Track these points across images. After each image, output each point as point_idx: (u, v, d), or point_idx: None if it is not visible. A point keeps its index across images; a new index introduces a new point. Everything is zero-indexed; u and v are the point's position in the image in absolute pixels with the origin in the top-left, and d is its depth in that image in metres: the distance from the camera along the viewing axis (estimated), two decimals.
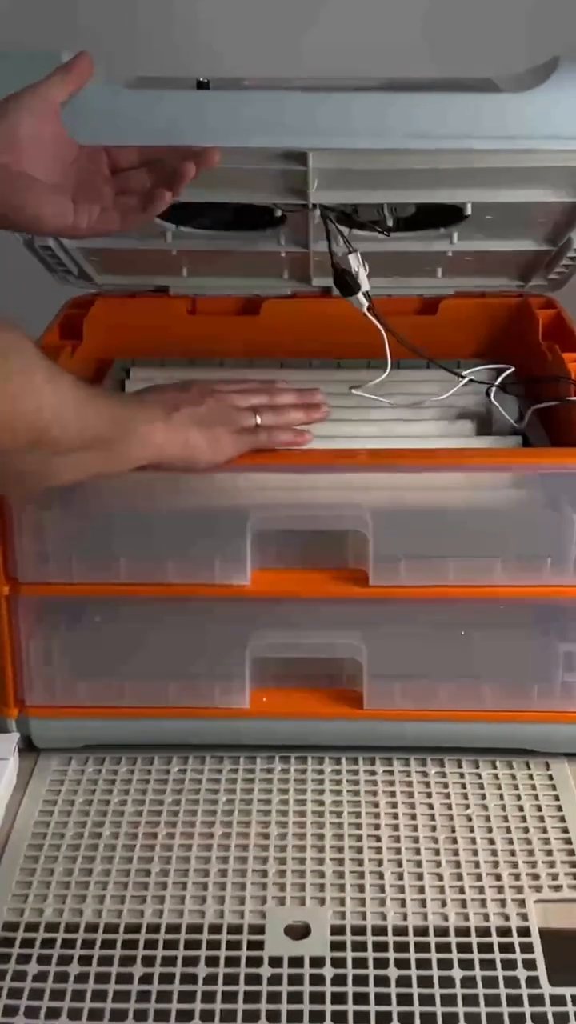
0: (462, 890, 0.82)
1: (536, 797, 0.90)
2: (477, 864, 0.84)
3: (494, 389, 1.04)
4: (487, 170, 0.89)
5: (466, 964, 0.75)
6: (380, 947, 0.77)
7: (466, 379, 1.04)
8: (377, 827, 0.88)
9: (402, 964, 0.75)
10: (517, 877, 0.83)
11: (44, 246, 1.03)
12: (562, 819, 0.88)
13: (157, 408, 0.82)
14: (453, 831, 0.87)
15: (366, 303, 0.97)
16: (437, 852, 0.85)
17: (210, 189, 0.92)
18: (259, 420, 0.87)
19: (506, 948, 0.77)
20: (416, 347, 1.01)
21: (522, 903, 0.80)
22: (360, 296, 0.96)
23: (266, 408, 0.88)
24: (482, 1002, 0.73)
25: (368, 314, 0.97)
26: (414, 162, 0.87)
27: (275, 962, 0.76)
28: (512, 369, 1.06)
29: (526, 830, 0.87)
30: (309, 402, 0.91)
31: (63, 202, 0.81)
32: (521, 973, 0.75)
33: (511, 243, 1.05)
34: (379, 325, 0.97)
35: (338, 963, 0.76)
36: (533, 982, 0.74)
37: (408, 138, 0.85)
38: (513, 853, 0.85)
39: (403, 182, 0.92)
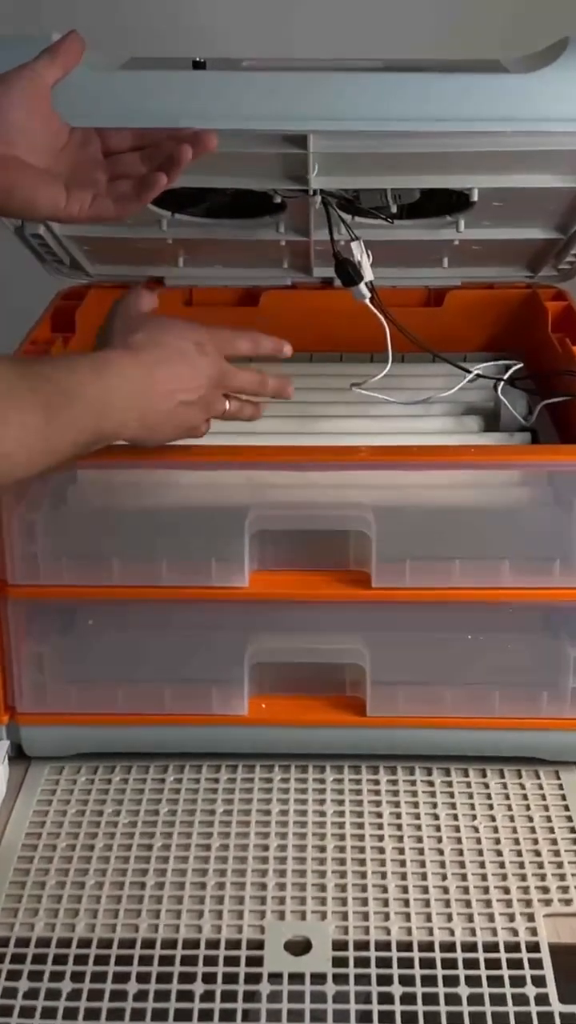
0: (469, 904, 0.82)
1: (546, 807, 0.90)
2: (484, 877, 0.84)
3: (502, 384, 1.04)
4: (494, 154, 0.89)
5: (473, 981, 0.75)
6: (384, 963, 0.77)
7: (473, 374, 1.04)
8: (380, 838, 0.88)
9: (406, 981, 0.75)
10: (526, 890, 0.83)
11: (35, 234, 1.03)
12: (572, 830, 0.88)
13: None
14: (459, 842, 0.87)
15: (368, 294, 0.97)
16: (443, 864, 0.85)
17: (207, 174, 0.91)
18: (228, 406, 0.86)
19: (514, 964, 0.77)
20: (421, 340, 1.01)
21: (531, 917, 0.80)
22: (362, 286, 0.96)
23: (235, 398, 0.87)
24: (489, 1020, 0.73)
25: (370, 305, 0.97)
26: (418, 146, 0.87)
27: (275, 978, 0.76)
28: (520, 364, 1.06)
29: (535, 841, 0.87)
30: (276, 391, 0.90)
31: (55, 186, 0.81)
32: (530, 990, 0.75)
33: (520, 231, 1.05)
34: (381, 317, 0.97)
35: (340, 980, 0.76)
36: (542, 999, 0.74)
37: (412, 121, 0.85)
38: (522, 865, 0.85)
39: (407, 166, 0.92)
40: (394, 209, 0.99)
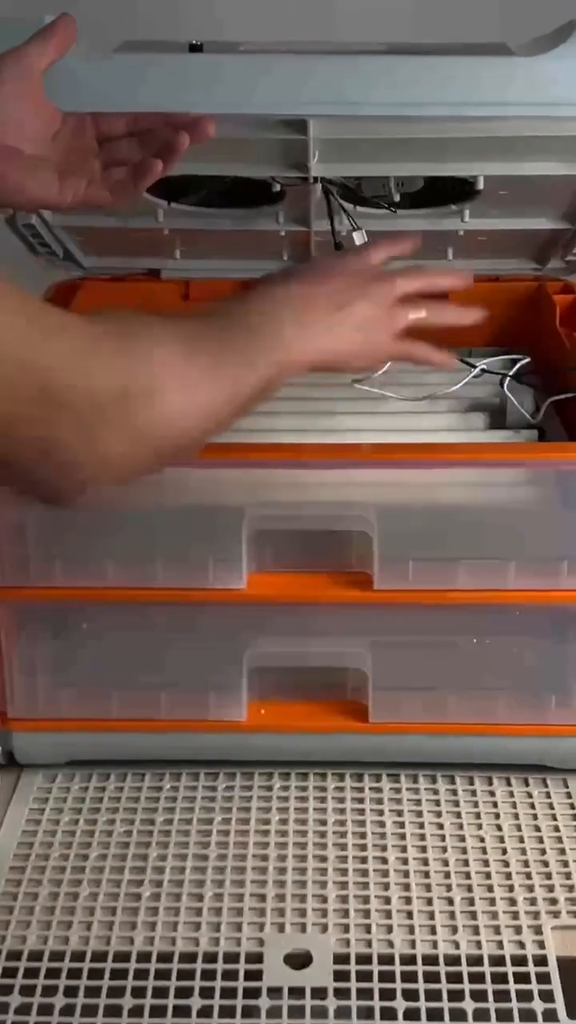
0: (474, 916, 0.81)
1: (553, 816, 0.90)
2: (490, 888, 0.84)
3: (508, 379, 1.03)
4: (500, 140, 0.88)
5: (479, 995, 0.75)
6: (387, 977, 0.77)
7: (478, 369, 1.03)
8: (383, 848, 0.87)
9: (410, 995, 0.75)
10: (533, 902, 0.83)
11: (27, 224, 1.03)
12: None
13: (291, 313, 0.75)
14: (464, 852, 0.87)
15: None
16: (447, 875, 0.85)
17: (204, 161, 0.91)
18: (417, 314, 0.81)
19: (521, 978, 0.76)
20: (424, 338, 1.00)
21: (538, 930, 0.80)
22: None
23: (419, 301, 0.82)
24: None
25: None
26: (421, 131, 0.87)
27: (274, 993, 0.75)
28: (527, 359, 1.06)
29: (543, 851, 0.87)
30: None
31: (47, 174, 0.80)
32: (538, 1005, 0.74)
33: (526, 221, 1.05)
34: None
35: (342, 994, 0.75)
36: (550, 1015, 0.74)
37: (414, 105, 0.84)
38: (529, 876, 0.85)
39: (410, 153, 0.92)
40: (397, 198, 0.99)
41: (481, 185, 0.96)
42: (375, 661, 0.91)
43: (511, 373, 1.04)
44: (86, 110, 0.83)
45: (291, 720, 0.93)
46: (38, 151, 0.81)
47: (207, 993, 0.76)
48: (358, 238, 0.96)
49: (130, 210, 1.02)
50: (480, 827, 0.89)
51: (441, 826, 0.89)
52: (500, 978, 0.76)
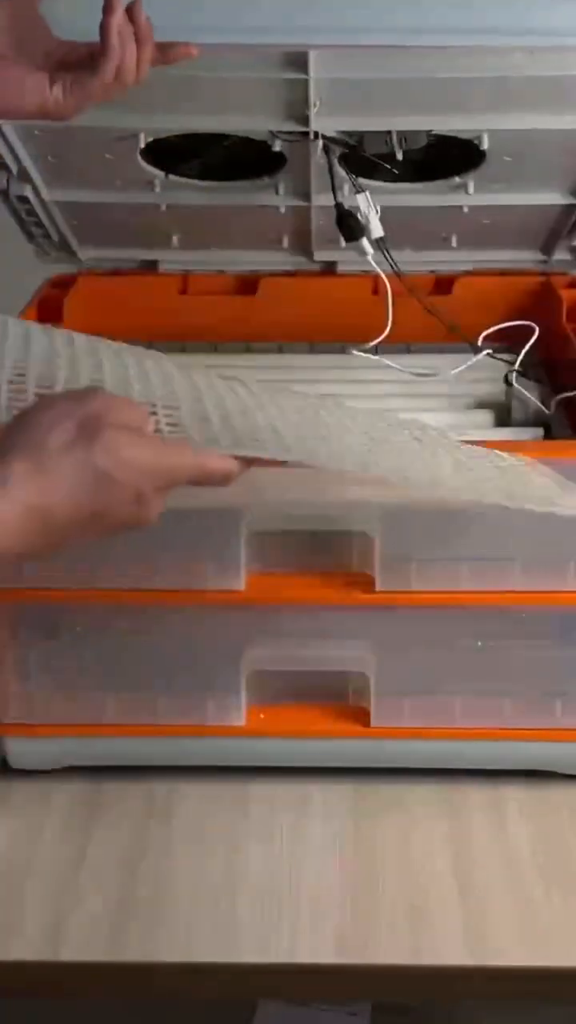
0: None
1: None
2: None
3: (514, 374, 1.03)
4: (505, 84, 0.86)
5: None
6: None
7: (483, 353, 1.03)
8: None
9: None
10: None
11: (20, 196, 1.02)
12: None
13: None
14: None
15: (371, 251, 0.95)
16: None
17: (201, 113, 0.90)
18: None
19: None
20: (432, 306, 0.99)
21: None
22: (364, 242, 0.95)
23: None
24: None
25: (372, 262, 0.95)
26: (424, 69, 0.85)
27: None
28: (536, 329, 1.05)
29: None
30: None
31: (41, 78, 0.83)
32: None
33: (533, 196, 1.04)
34: (385, 279, 0.96)
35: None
36: None
37: (416, 33, 0.83)
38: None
39: (413, 104, 0.90)
40: (400, 156, 0.97)
41: (486, 144, 0.94)
42: (377, 664, 0.91)
43: (516, 365, 1.04)
44: (79, 37, 0.83)
45: (291, 725, 0.93)
46: (35, 63, 0.84)
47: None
48: (362, 201, 0.94)
49: (127, 182, 1.00)
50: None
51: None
52: None
